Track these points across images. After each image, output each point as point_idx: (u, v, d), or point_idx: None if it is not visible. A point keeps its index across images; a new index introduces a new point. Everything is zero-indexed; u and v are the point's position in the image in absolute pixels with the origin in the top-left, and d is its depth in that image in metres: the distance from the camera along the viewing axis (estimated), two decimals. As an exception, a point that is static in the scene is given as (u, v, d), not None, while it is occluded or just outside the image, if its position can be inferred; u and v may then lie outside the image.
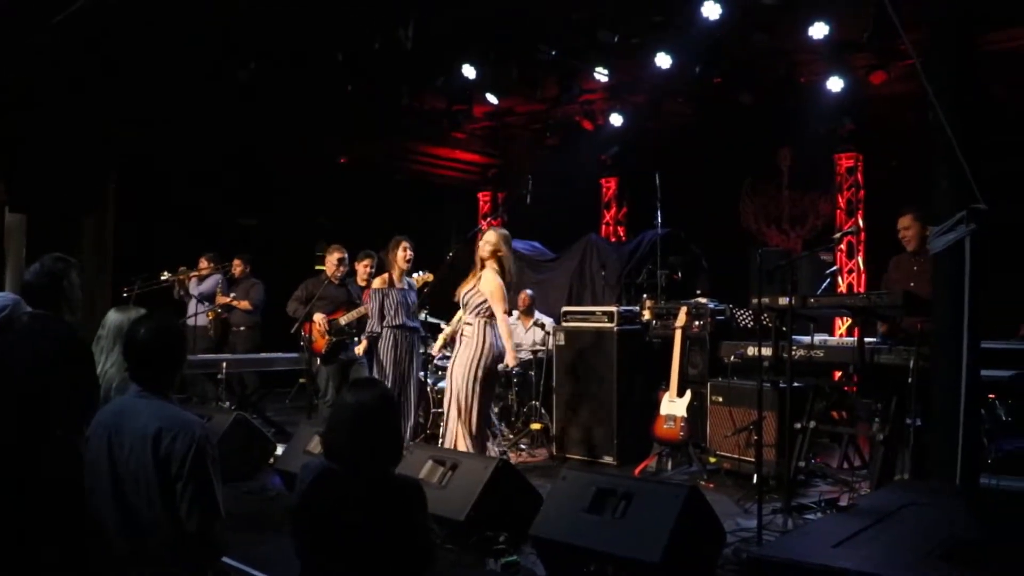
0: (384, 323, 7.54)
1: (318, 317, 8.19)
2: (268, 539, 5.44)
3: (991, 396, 5.94)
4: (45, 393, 3.87)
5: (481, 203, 14.36)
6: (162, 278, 9.80)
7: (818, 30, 8.40)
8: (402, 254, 7.64)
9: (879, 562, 3.03)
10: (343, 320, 8.17)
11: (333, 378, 8.30)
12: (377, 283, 7.68)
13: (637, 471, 7.30)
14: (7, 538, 3.66)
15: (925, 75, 4.37)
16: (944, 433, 4.71)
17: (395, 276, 7.65)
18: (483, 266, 6.74)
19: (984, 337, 4.95)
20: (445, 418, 6.79)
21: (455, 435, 6.62)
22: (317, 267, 13.09)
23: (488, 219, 13.84)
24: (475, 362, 6.60)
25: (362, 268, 8.55)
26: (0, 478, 3.69)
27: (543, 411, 8.43)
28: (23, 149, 8.48)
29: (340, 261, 8.39)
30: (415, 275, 7.85)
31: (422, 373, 8.01)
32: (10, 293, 4.94)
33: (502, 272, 6.69)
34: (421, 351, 7.89)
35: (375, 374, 7.59)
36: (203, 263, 10.12)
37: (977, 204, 4.50)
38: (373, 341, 7.71)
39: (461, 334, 6.81)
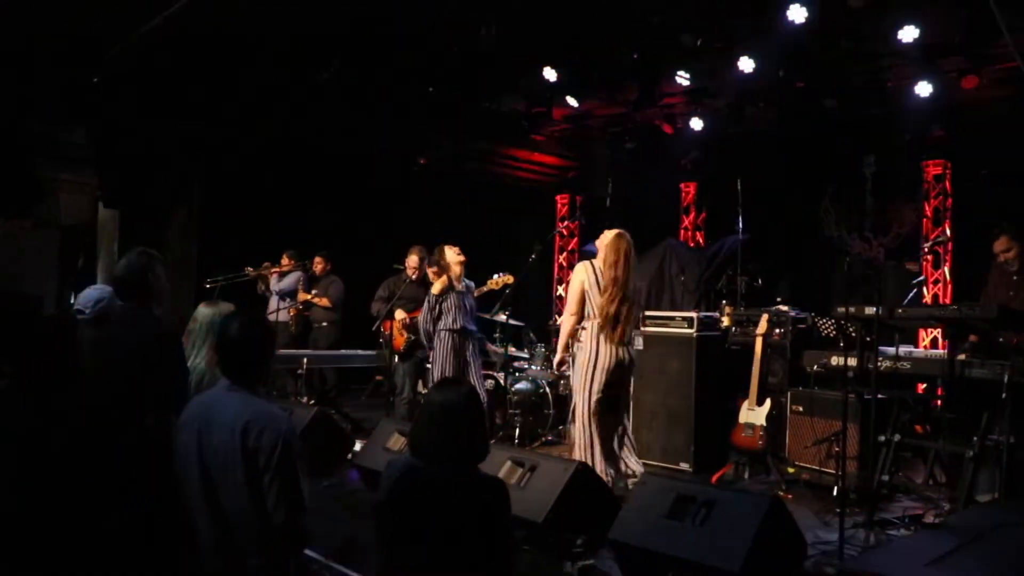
0: (441, 326, 7.59)
1: (399, 315, 8.27)
2: (347, 533, 5.49)
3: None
4: (137, 384, 3.96)
5: (559, 206, 14.33)
6: (246, 272, 10.03)
7: (907, 33, 8.16)
8: (454, 257, 7.68)
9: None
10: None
11: (410, 376, 8.35)
12: (437, 287, 7.70)
13: (714, 479, 7.21)
14: (96, 529, 3.74)
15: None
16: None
17: (454, 278, 7.70)
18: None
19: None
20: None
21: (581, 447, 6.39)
22: (395, 266, 13.25)
23: (566, 222, 13.87)
24: (584, 367, 6.38)
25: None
26: (94, 466, 3.77)
27: (620, 415, 8.37)
28: (116, 146, 8.70)
29: (421, 261, 8.45)
30: (494, 276, 7.87)
31: (501, 374, 8.04)
32: (107, 286, 5.08)
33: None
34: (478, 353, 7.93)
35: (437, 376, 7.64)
36: (285, 260, 10.34)
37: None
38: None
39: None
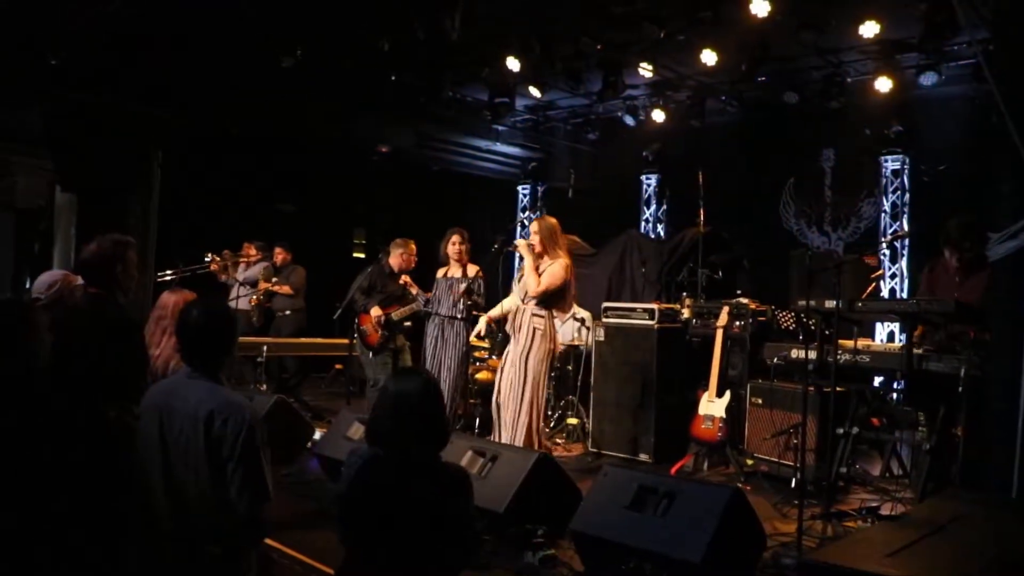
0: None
1: (374, 312, 8.13)
2: (307, 522, 5.46)
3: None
4: (97, 372, 3.89)
5: (520, 196, 14.32)
6: (206, 260, 9.90)
7: (868, 29, 8.28)
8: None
9: (939, 575, 2.97)
10: (396, 316, 8.12)
11: (383, 367, 8.25)
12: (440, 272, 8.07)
13: (674, 470, 7.25)
14: (51, 517, 3.67)
15: (991, 74, 4.27)
16: (999, 445, 4.58)
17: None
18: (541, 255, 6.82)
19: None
20: (500, 415, 6.71)
21: (519, 429, 6.54)
22: (355, 254, 13.16)
23: (527, 212, 13.86)
24: (549, 355, 6.70)
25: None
26: (53, 456, 3.70)
27: (579, 406, 8.39)
28: (73, 128, 8.53)
29: (415, 254, 8.42)
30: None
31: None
32: (59, 270, 4.98)
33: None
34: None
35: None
36: (250, 250, 10.23)
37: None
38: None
39: (521, 326, 6.73)
